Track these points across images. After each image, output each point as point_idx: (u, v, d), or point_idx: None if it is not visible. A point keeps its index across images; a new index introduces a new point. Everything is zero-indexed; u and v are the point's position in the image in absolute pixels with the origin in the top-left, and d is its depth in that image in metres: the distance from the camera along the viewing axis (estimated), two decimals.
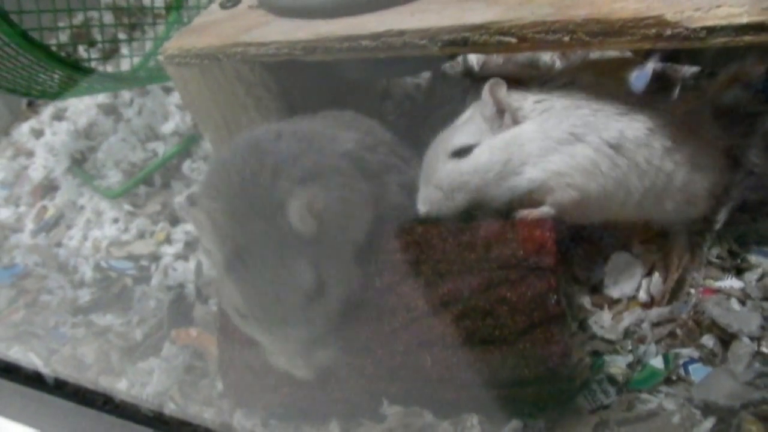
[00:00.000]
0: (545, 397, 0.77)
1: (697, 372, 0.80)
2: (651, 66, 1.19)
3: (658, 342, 0.84)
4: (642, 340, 0.84)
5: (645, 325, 0.85)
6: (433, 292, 0.78)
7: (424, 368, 0.77)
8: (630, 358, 0.83)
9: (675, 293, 0.89)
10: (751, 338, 0.81)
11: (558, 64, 1.30)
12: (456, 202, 0.84)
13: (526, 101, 0.85)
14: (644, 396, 0.79)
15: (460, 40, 0.81)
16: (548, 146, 0.82)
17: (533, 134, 0.83)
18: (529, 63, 1.32)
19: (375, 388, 0.78)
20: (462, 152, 0.84)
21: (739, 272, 0.90)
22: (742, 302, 0.85)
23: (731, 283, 0.88)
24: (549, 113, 0.83)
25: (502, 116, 0.84)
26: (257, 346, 0.79)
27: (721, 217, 0.93)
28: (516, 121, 0.84)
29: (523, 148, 0.83)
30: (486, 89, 0.83)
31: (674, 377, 0.80)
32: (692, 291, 0.89)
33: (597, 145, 0.82)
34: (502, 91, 0.83)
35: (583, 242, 0.97)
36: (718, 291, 0.87)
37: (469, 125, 0.86)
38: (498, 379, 0.76)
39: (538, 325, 0.75)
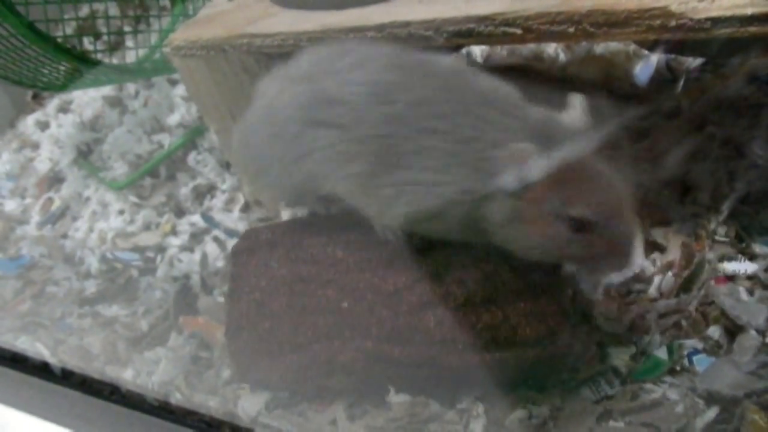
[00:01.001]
0: (546, 362, 0.78)
1: (702, 362, 0.80)
2: (655, 59, 1.20)
3: (662, 332, 0.84)
4: (647, 330, 0.85)
5: (650, 316, 0.86)
6: (437, 254, 0.79)
7: (427, 329, 0.77)
8: (633, 349, 0.83)
9: (688, 284, 0.89)
10: (758, 331, 0.81)
11: (562, 56, 1.30)
12: None
13: None
14: (648, 386, 0.79)
15: (465, 32, 0.81)
16: None
17: None
18: (533, 56, 1.32)
19: (379, 352, 0.79)
20: None
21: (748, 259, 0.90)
22: (750, 293, 0.85)
23: (745, 266, 0.88)
24: None
25: None
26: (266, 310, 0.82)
27: (725, 208, 0.94)
28: None
29: None
30: None
31: (678, 368, 0.81)
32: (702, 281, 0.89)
33: None
34: None
35: None
36: (729, 279, 0.87)
37: None
38: (500, 340, 0.76)
39: (539, 284, 0.77)
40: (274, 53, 0.95)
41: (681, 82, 1.17)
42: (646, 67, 1.21)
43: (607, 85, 1.20)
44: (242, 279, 0.85)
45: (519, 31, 0.79)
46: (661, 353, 0.81)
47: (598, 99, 1.02)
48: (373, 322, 0.79)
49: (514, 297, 0.76)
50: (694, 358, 0.81)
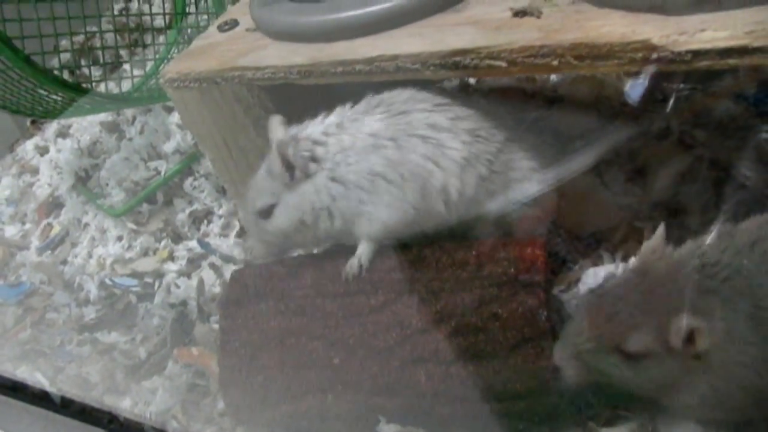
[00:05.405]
0: (537, 411, 0.78)
1: None
2: (645, 78, 1.20)
3: None
4: None
5: None
6: (426, 309, 0.80)
7: (418, 384, 0.78)
8: None
9: None
10: None
11: (553, 76, 1.31)
12: (277, 251, 0.89)
13: (318, 147, 0.85)
14: (622, 412, 0.80)
15: (452, 64, 0.82)
16: (350, 193, 0.83)
17: (331, 185, 0.83)
18: (525, 76, 1.33)
19: (372, 404, 0.80)
20: (265, 213, 0.86)
21: None
22: None
23: None
24: (345, 159, 0.84)
25: (293, 171, 0.84)
26: (258, 364, 0.82)
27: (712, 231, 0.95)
28: (307, 174, 0.84)
29: (323, 198, 0.83)
30: (274, 149, 0.83)
31: None
32: None
33: (400, 182, 0.83)
34: (288, 148, 0.83)
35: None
36: None
37: (265, 182, 0.86)
38: (491, 394, 0.77)
39: (529, 340, 0.77)
40: (266, 85, 0.96)
41: (671, 102, 1.18)
42: (636, 86, 1.22)
43: (597, 104, 1.21)
44: (233, 333, 0.86)
45: (504, 64, 0.80)
46: None
47: (589, 119, 1.03)
48: (365, 377, 0.80)
49: (505, 352, 0.77)
50: None
